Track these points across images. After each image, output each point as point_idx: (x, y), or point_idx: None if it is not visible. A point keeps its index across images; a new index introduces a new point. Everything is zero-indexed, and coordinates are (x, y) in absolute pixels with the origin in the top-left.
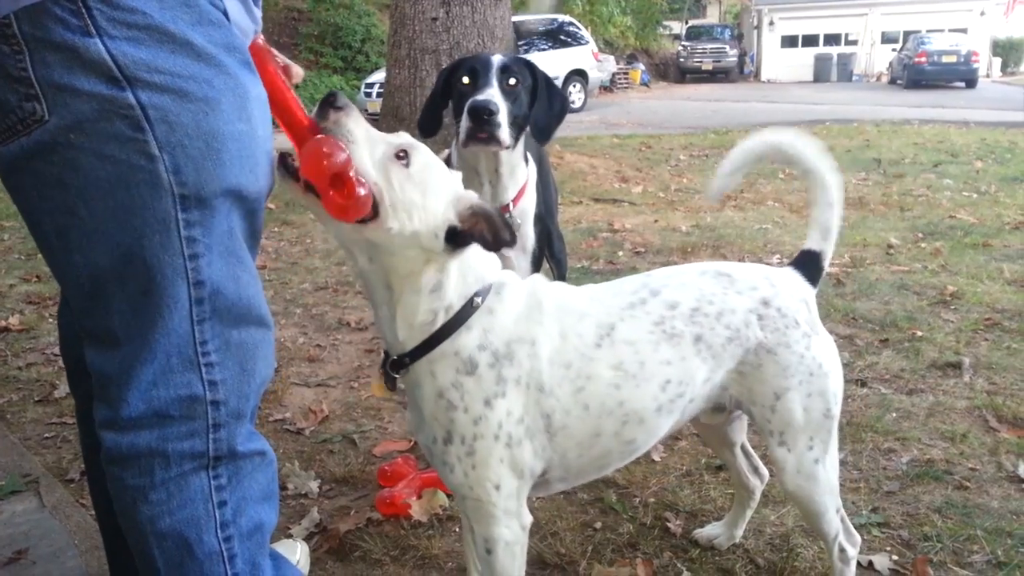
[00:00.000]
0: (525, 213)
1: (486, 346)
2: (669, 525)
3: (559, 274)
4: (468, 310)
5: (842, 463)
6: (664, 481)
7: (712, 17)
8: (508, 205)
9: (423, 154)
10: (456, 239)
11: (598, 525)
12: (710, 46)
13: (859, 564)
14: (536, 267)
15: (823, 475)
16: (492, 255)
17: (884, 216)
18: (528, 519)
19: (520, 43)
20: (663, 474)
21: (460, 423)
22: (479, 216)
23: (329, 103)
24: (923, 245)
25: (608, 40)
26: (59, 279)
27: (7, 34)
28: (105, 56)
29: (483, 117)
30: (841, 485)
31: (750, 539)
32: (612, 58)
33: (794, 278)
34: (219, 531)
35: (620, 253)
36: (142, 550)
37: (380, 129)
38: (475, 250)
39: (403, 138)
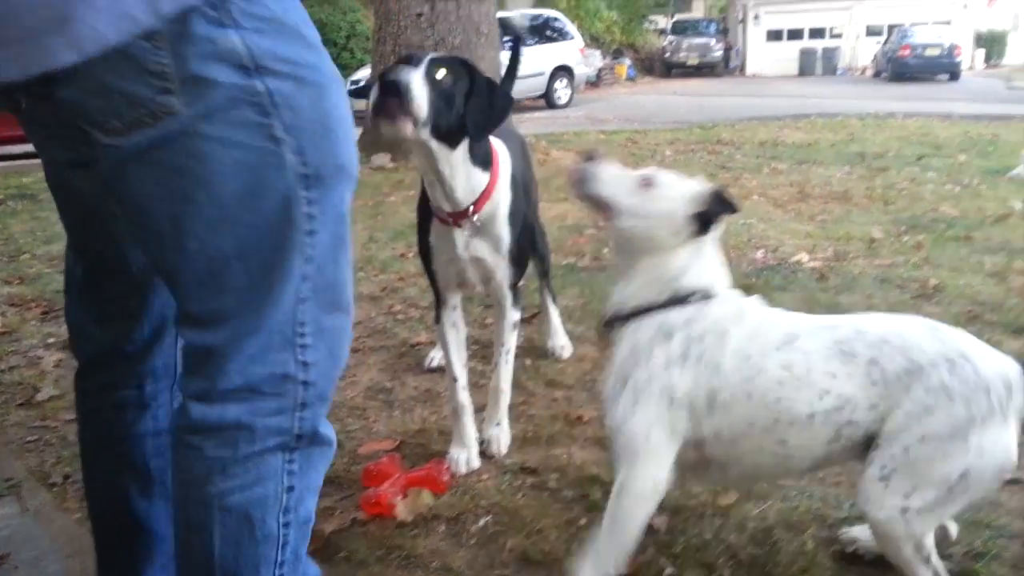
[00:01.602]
0: (493, 217)
1: (685, 328)
2: (653, 522)
3: (543, 270)
4: (687, 298)
5: None
6: None
7: (698, 12)
8: (468, 209)
9: (662, 176)
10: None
11: (583, 522)
12: (696, 41)
13: (843, 557)
14: (518, 266)
15: (901, 527)
16: (723, 272)
17: (868, 210)
18: (664, 485)
19: (505, 39)
20: None
21: (637, 375)
22: (711, 197)
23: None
24: (906, 238)
25: (594, 35)
26: (164, 268)
27: (150, 32)
28: (239, 46)
29: (391, 92)
30: (823, 479)
31: (732, 534)
32: (598, 53)
33: (1008, 361)
34: (281, 515)
35: (606, 250)
36: (200, 524)
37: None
38: (711, 262)
39: (647, 171)
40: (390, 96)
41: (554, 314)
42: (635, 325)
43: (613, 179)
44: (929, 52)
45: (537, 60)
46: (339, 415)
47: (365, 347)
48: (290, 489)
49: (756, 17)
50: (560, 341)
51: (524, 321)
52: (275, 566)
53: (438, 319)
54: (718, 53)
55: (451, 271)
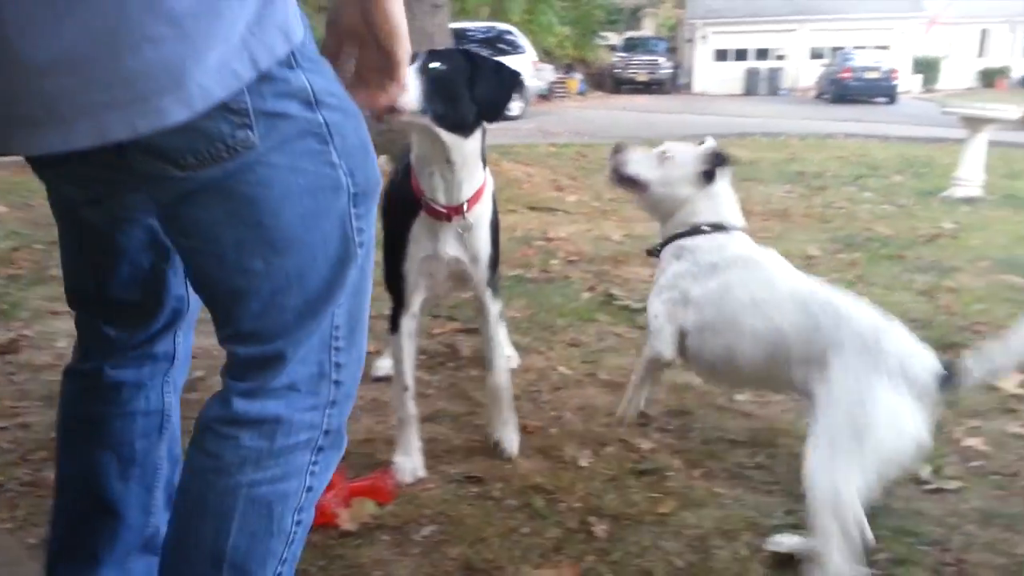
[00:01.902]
0: (480, 219)
1: (694, 250)
2: (593, 529)
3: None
4: (701, 229)
5: (759, 467)
6: (590, 486)
7: (648, 29)
8: (463, 206)
9: (674, 148)
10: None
11: (525, 530)
12: (645, 58)
13: (773, 563)
14: (495, 270)
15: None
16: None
17: (806, 228)
18: (667, 355)
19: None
20: (589, 479)
21: (660, 279)
22: (712, 155)
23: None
24: (842, 256)
25: (546, 49)
26: (222, 290)
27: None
28: (305, 84)
29: None
30: (757, 488)
31: (670, 541)
32: (550, 67)
33: (930, 356)
34: (296, 513)
35: (554, 261)
36: (220, 512)
37: None
38: (724, 204)
39: (664, 145)
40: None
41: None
42: (666, 248)
43: (640, 160)
44: (869, 75)
45: None
46: None
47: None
48: (309, 489)
49: (704, 37)
50: (506, 352)
51: (470, 331)
52: (279, 562)
53: (395, 327)
54: (667, 71)
55: (426, 270)
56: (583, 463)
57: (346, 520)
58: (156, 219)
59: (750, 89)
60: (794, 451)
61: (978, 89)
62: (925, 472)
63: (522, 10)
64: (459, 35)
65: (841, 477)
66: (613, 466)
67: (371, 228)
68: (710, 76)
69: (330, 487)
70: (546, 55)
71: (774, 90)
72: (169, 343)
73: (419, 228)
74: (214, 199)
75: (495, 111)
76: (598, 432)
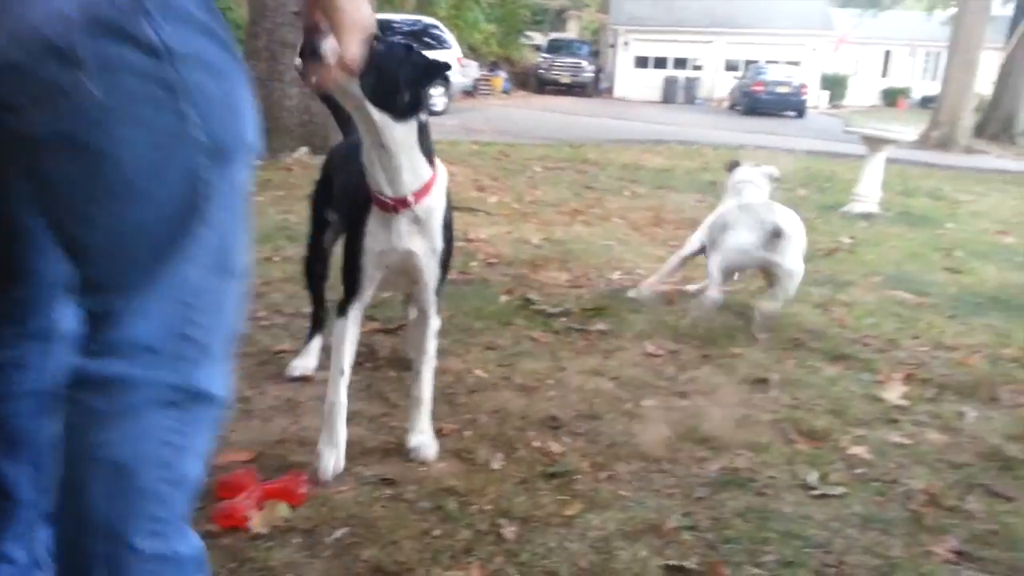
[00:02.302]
0: (431, 213)
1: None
2: (503, 531)
3: None
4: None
5: (661, 470)
6: (502, 489)
7: (572, 32)
8: (409, 198)
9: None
10: None
11: (437, 532)
12: (569, 60)
13: (670, 567)
14: (445, 271)
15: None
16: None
17: None
18: (691, 250)
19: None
20: (501, 482)
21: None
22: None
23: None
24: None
25: (472, 46)
26: (70, 239)
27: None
28: (150, 34)
29: (312, 55)
30: (658, 491)
31: (575, 543)
32: (475, 64)
33: (792, 215)
34: (160, 471)
35: (473, 263)
36: (77, 477)
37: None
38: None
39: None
40: (311, 59)
41: None
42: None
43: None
44: (780, 89)
45: None
46: None
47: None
48: (169, 444)
49: (626, 43)
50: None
51: (388, 331)
52: (149, 520)
53: (343, 312)
54: (589, 74)
55: (381, 263)
56: (495, 466)
57: (257, 523)
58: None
59: (668, 97)
60: (695, 455)
61: (881, 107)
62: (812, 479)
63: (449, 5)
64: (384, 27)
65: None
66: (524, 469)
67: (235, 190)
68: (631, 82)
69: (241, 489)
70: (471, 52)
71: (691, 99)
72: (44, 319)
73: (373, 221)
74: (57, 154)
75: (415, 88)
76: (511, 435)
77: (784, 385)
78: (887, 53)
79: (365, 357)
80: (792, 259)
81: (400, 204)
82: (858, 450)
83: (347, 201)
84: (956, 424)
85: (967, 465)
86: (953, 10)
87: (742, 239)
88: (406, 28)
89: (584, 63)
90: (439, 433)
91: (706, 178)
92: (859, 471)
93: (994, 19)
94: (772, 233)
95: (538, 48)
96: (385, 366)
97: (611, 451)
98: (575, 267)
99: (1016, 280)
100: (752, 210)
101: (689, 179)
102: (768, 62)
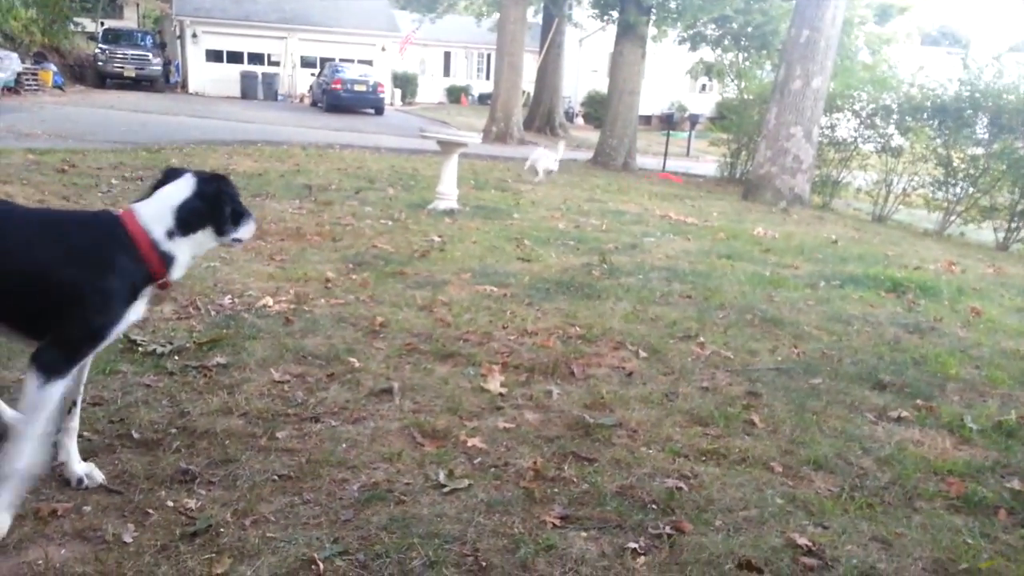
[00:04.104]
0: None
1: None
2: None
3: None
4: None
5: (305, 501)
6: (140, 563)
7: (130, 20)
8: None
9: None
10: None
11: None
12: (132, 52)
13: None
14: None
15: None
16: None
17: (320, 247)
18: None
19: None
20: (138, 555)
21: None
22: None
23: None
24: (354, 276)
25: (9, 34)
26: None
27: None
28: None
29: None
30: (306, 523)
31: None
32: (16, 55)
33: None
34: None
35: None
36: None
37: None
38: None
39: None
40: None
41: None
42: None
43: None
44: (358, 88)
45: None
46: None
47: None
48: None
49: (195, 35)
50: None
51: None
52: None
53: (64, 376)
54: (157, 67)
55: None
56: (128, 539)
57: None
58: None
59: (248, 93)
60: (335, 478)
61: (447, 103)
62: (442, 476)
63: None
64: None
65: None
66: (161, 535)
67: None
68: (205, 76)
69: None
70: (9, 41)
71: (271, 95)
72: None
73: (146, 294)
74: None
75: None
76: (140, 500)
77: (405, 391)
78: (447, 54)
79: None
80: None
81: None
82: (474, 441)
83: None
84: (546, 402)
85: (559, 437)
86: (497, 16)
87: None
88: None
89: (150, 55)
90: (52, 514)
91: (301, 181)
92: (478, 460)
93: (532, 26)
94: None
95: (93, 38)
96: None
97: (253, 493)
98: (180, 296)
99: (572, 263)
100: None
101: (284, 183)
102: (343, 60)
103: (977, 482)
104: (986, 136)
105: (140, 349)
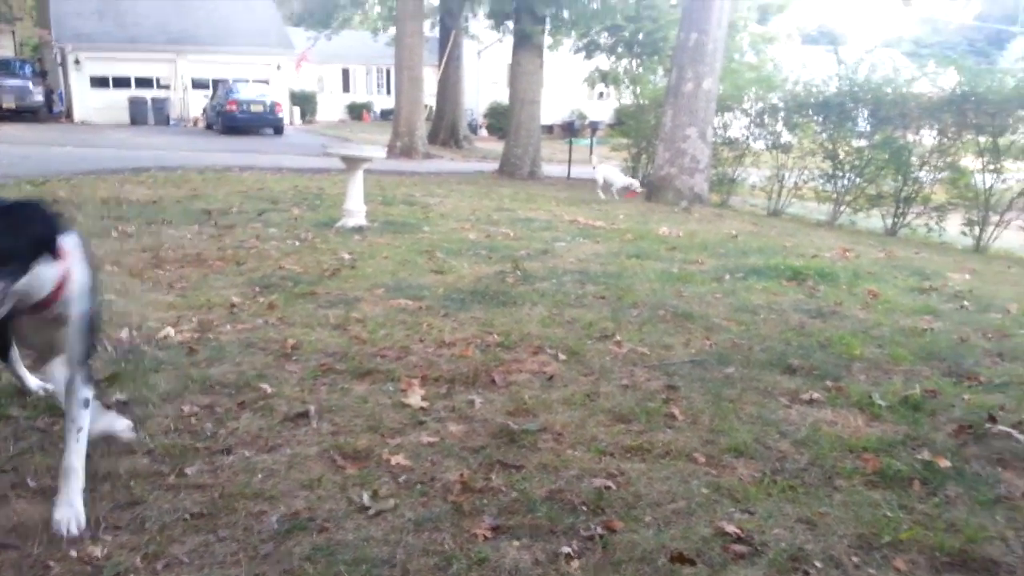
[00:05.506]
0: None
1: None
2: None
3: None
4: None
5: (220, 539)
6: None
7: (6, 49)
8: None
9: None
10: None
11: None
12: (10, 82)
13: None
14: None
15: None
16: None
17: (223, 272)
18: None
19: None
20: None
21: None
22: None
23: None
24: (261, 299)
25: None
26: None
27: None
28: None
29: None
30: (223, 562)
31: None
32: None
33: None
34: None
35: None
36: None
37: None
38: None
39: None
40: None
41: None
42: None
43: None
44: (254, 108)
45: None
46: None
47: None
48: None
49: (77, 62)
50: None
51: None
52: None
53: None
54: (39, 97)
55: None
56: None
57: None
58: None
59: (137, 119)
60: (252, 511)
61: (349, 121)
62: (366, 499)
63: None
64: None
65: None
66: None
67: None
68: (90, 104)
69: None
70: None
71: (163, 120)
72: None
73: None
74: None
75: None
76: (40, 553)
77: (322, 413)
78: (346, 71)
79: None
80: None
81: None
82: (398, 459)
83: None
84: (469, 412)
85: (484, 447)
86: (393, 31)
87: None
88: None
89: (30, 84)
90: None
91: (199, 206)
92: (403, 478)
93: (430, 40)
94: None
95: None
96: None
97: (163, 535)
98: None
99: (485, 272)
100: None
101: (181, 209)
102: (236, 80)
103: (890, 456)
104: (868, 128)
105: (31, 392)
